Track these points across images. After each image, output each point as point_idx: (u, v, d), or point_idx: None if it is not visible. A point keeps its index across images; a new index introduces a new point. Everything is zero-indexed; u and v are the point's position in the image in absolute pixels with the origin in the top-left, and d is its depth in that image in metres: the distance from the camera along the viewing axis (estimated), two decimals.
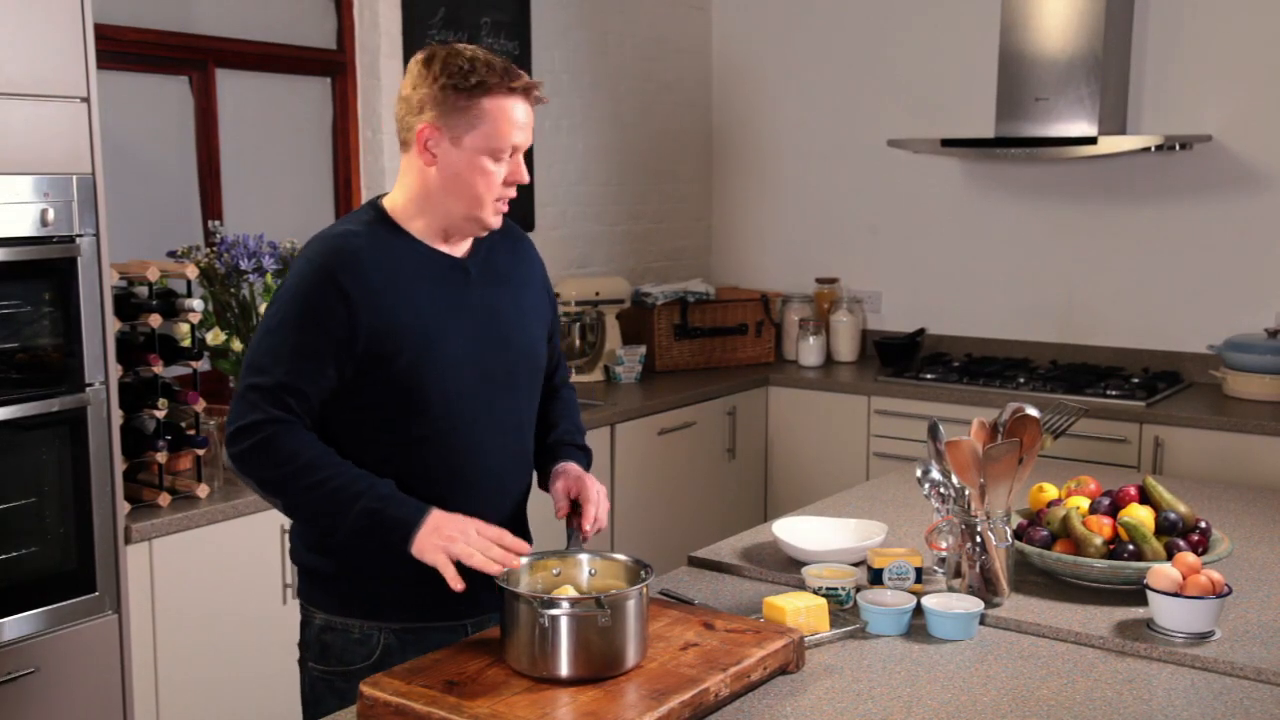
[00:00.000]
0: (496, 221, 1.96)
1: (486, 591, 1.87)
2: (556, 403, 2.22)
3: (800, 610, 1.96)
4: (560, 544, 1.97)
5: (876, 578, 2.12)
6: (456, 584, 1.77)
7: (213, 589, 2.85)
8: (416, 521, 1.81)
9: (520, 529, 2.10)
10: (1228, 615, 2.03)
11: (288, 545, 2.24)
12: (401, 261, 1.92)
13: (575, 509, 2.01)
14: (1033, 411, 2.13)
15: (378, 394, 1.90)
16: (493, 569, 1.77)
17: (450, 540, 1.79)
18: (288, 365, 1.85)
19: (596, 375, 4.41)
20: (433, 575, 1.96)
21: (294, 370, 1.85)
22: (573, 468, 2.08)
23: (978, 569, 2.08)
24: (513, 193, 1.96)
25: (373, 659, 1.98)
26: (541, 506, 2.10)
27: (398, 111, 1.95)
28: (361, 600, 1.99)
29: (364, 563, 1.97)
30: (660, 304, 4.62)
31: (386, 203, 1.99)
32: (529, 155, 4.85)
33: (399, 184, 1.98)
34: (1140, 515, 2.20)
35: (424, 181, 1.93)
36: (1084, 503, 2.27)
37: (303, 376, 1.85)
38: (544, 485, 2.12)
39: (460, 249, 2.01)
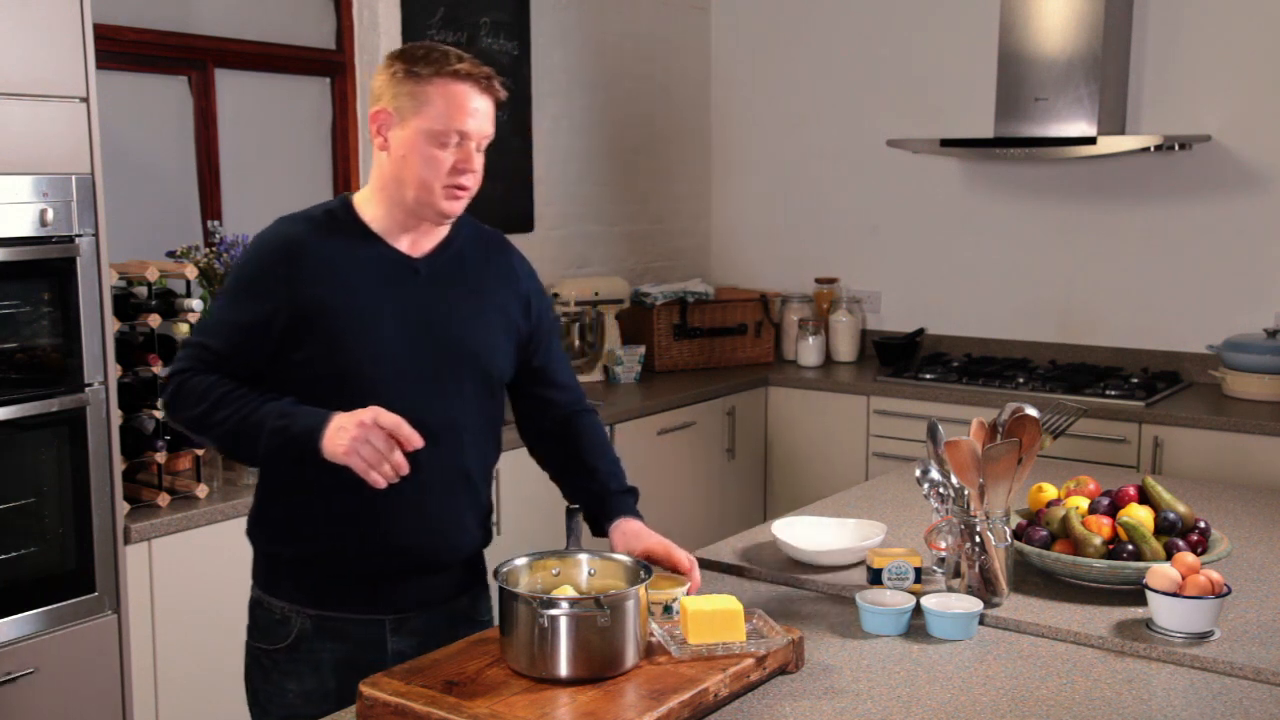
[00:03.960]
0: (451, 208, 1.93)
1: (407, 589, 1.95)
2: (585, 437, 2.17)
3: (704, 615, 1.78)
4: (559, 544, 1.97)
5: (876, 578, 2.12)
6: (379, 483, 1.79)
7: (212, 589, 2.85)
8: (320, 428, 1.82)
9: (473, 572, 2.09)
10: (1227, 615, 2.03)
11: None
12: (344, 250, 1.94)
13: (572, 514, 2.00)
14: (1032, 411, 2.12)
15: (304, 376, 1.92)
16: (379, 484, 1.80)
17: (355, 441, 1.78)
18: (215, 332, 1.95)
19: (596, 375, 4.41)
20: (350, 567, 1.98)
21: (220, 338, 1.94)
22: (633, 526, 2.06)
23: (977, 569, 2.08)
24: (465, 181, 1.92)
25: (289, 640, 1.99)
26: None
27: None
28: (282, 581, 2.01)
29: (286, 545, 2.00)
30: (659, 304, 4.61)
31: (356, 195, 2.02)
32: (525, 151, 4.78)
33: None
34: (1139, 515, 2.20)
35: (380, 168, 1.97)
36: (1083, 503, 2.27)
37: (229, 345, 1.93)
38: (598, 531, 2.13)
39: (420, 248, 2.00)
